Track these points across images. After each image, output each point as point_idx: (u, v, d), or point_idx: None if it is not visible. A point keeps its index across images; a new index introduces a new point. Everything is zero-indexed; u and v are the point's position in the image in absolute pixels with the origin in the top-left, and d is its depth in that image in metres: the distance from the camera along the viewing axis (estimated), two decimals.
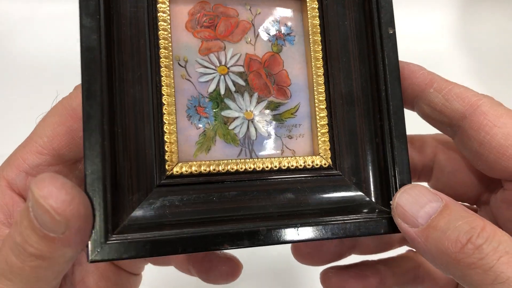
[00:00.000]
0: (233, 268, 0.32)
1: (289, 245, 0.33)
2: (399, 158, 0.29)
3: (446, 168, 0.30)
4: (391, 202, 0.27)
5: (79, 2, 0.24)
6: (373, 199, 0.29)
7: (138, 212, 0.25)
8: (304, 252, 0.34)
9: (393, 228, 0.27)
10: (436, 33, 0.67)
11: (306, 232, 0.26)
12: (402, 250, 0.34)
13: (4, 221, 0.26)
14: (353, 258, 0.34)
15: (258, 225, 0.26)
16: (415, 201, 0.26)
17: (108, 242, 0.23)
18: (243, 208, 0.27)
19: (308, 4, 0.30)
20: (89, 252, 0.23)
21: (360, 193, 0.29)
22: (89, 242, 0.23)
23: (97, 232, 0.23)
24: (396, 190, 0.27)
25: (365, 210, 0.29)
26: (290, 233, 0.26)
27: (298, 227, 0.26)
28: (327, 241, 0.33)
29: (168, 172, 0.26)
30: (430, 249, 0.24)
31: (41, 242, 0.22)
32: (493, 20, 0.68)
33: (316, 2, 0.30)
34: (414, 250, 0.33)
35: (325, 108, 0.30)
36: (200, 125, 0.28)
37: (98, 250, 0.23)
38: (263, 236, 0.26)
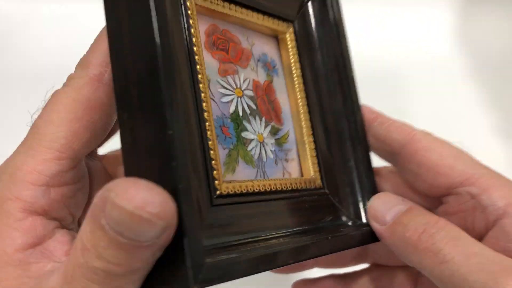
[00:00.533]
0: None
1: None
2: (369, 179, 0.34)
3: (392, 193, 0.37)
4: (366, 207, 0.32)
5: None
6: (357, 216, 0.33)
7: (203, 233, 0.23)
8: None
9: (373, 238, 0.32)
10: (436, 33, 0.67)
11: (328, 246, 0.29)
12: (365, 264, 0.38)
13: (32, 243, 0.22)
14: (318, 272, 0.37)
15: (300, 241, 0.27)
16: (384, 204, 0.31)
17: (205, 264, 0.21)
18: (278, 227, 0.28)
19: (287, 43, 0.34)
20: (189, 277, 0.20)
21: (344, 210, 0.33)
22: (188, 268, 0.20)
23: (195, 255, 0.20)
24: None
25: (351, 225, 0.33)
26: (326, 246, 0.28)
27: (330, 240, 0.28)
28: None
29: (218, 191, 0.25)
30: (395, 242, 0.29)
31: (132, 257, 0.19)
32: (493, 20, 0.70)
33: (293, 42, 0.34)
34: (376, 264, 0.38)
35: (311, 134, 0.33)
36: (226, 146, 0.28)
37: (199, 275, 0.20)
38: (305, 251, 0.27)
